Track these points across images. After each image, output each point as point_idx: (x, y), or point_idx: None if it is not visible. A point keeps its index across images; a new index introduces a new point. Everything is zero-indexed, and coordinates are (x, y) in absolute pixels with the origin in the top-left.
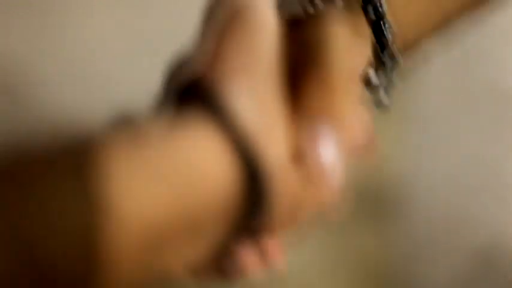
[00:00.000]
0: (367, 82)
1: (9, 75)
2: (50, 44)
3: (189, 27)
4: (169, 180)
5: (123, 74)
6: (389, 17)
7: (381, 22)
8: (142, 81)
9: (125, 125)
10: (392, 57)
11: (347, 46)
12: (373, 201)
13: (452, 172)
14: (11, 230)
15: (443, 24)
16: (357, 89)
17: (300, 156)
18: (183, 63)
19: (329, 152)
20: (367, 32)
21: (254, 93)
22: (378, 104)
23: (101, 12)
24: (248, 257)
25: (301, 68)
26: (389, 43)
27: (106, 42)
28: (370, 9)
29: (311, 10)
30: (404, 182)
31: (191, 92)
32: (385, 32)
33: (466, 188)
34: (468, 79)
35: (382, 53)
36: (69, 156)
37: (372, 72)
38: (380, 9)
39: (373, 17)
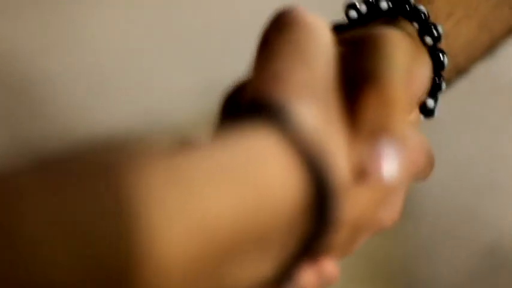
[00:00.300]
0: (423, 107)
1: (13, 72)
2: (55, 41)
3: (197, 26)
4: (233, 191)
5: (128, 72)
6: (442, 40)
7: (437, 47)
8: (149, 80)
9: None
10: (445, 80)
11: (410, 60)
12: None
13: (460, 170)
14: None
15: (492, 46)
16: (415, 115)
17: (362, 174)
18: (240, 85)
19: (393, 172)
20: (424, 51)
21: (316, 108)
22: (427, 112)
23: (106, 9)
24: (307, 278)
25: (356, 77)
26: (445, 67)
27: (111, 39)
28: (427, 32)
29: (353, 15)
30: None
31: (252, 110)
32: (441, 57)
33: (473, 186)
34: (476, 75)
35: (438, 77)
36: (111, 166)
37: (428, 99)
38: (436, 33)
39: (430, 42)
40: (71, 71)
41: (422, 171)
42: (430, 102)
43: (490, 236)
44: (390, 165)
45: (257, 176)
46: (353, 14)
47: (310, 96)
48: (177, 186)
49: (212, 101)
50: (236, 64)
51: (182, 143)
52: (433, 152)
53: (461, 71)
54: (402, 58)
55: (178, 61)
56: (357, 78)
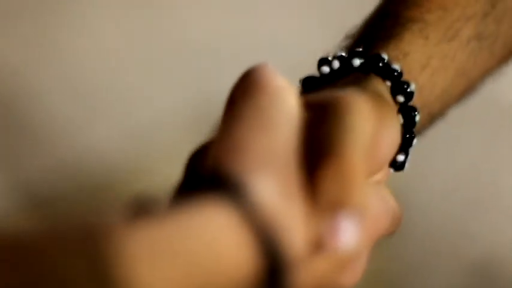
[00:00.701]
0: (393, 163)
1: (4, 86)
2: (46, 54)
3: (194, 31)
4: (186, 266)
5: (122, 83)
6: (416, 95)
7: (408, 104)
8: (142, 91)
9: (141, 207)
10: (416, 134)
11: (373, 130)
12: None
13: (451, 185)
14: None
15: (468, 91)
16: (383, 173)
17: (320, 245)
18: (204, 149)
19: (350, 243)
20: (392, 113)
21: (275, 180)
22: (397, 167)
23: (99, 19)
24: None
25: (317, 147)
26: (416, 122)
27: (103, 49)
28: (399, 90)
29: (326, 70)
30: (402, 195)
31: (210, 182)
32: (413, 113)
33: (464, 201)
34: None
35: (409, 133)
36: (81, 240)
37: (399, 155)
38: (408, 92)
39: (401, 100)
40: (61, 85)
41: (386, 231)
42: (400, 158)
43: (480, 252)
44: (348, 237)
45: (208, 254)
46: (325, 69)
47: (269, 169)
48: (135, 261)
49: (203, 118)
50: (228, 82)
51: (139, 210)
52: (400, 209)
53: (436, 117)
54: (365, 128)
55: (169, 77)
56: (317, 148)
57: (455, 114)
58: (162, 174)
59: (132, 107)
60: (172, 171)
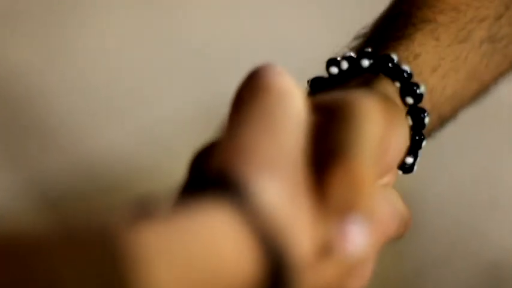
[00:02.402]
0: (401, 165)
1: (9, 85)
2: (52, 54)
3: (200, 33)
4: (187, 270)
5: (126, 83)
6: (426, 97)
7: (418, 106)
8: (151, 91)
9: (144, 209)
10: (425, 137)
11: (382, 133)
12: None
13: (461, 189)
14: None
15: (480, 94)
16: (391, 176)
17: (328, 250)
18: (209, 149)
19: (358, 247)
20: (401, 115)
21: (280, 183)
22: (406, 169)
23: (103, 19)
24: None
25: (326, 150)
26: (426, 124)
27: (109, 50)
28: (408, 92)
29: (334, 71)
30: (413, 199)
31: (214, 184)
32: (423, 115)
33: (474, 204)
34: None
35: (418, 135)
36: (92, 241)
37: (407, 157)
38: (418, 94)
39: (411, 102)
40: (71, 86)
41: (395, 235)
42: (409, 160)
43: (492, 254)
44: (356, 242)
45: (209, 258)
46: (334, 70)
47: (275, 171)
48: (137, 263)
49: (212, 117)
50: (231, 82)
51: (143, 212)
52: (408, 212)
53: (446, 119)
54: (374, 130)
55: (175, 77)
56: (326, 151)
57: (467, 116)
58: (172, 174)
59: (142, 107)
60: (182, 172)
